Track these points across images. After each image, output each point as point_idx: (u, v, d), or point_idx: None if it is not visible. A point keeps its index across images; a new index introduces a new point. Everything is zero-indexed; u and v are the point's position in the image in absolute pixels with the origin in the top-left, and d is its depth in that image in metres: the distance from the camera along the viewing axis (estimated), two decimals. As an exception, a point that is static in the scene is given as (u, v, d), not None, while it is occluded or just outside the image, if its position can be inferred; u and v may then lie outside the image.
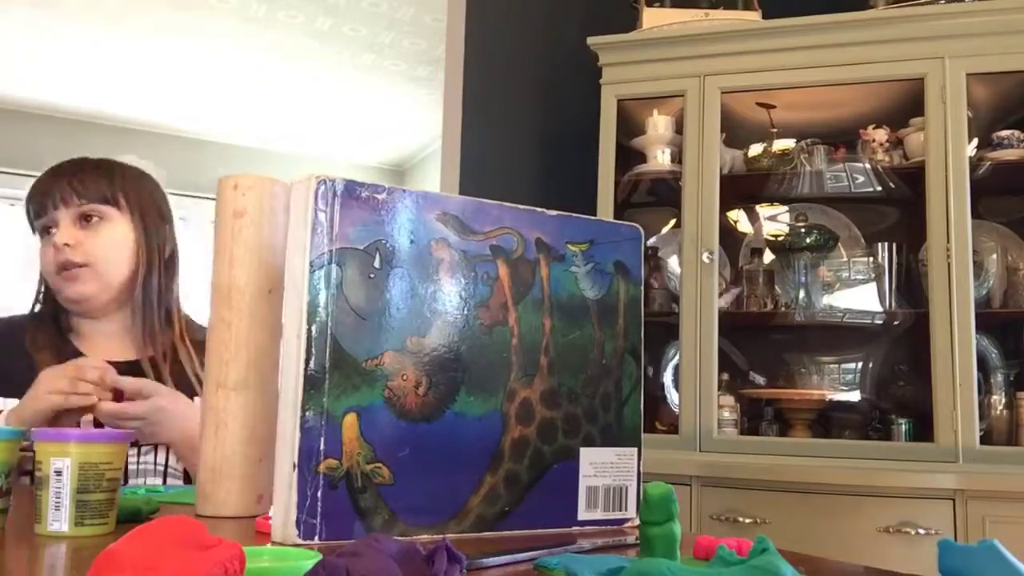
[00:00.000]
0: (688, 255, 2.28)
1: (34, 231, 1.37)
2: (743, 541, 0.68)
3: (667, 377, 2.56)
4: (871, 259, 2.47)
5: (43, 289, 1.38)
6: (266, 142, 5.56)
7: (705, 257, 2.25)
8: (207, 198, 5.12)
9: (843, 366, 2.57)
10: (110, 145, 5.28)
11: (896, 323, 2.39)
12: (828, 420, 2.41)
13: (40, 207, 1.31)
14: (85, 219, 1.31)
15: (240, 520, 0.85)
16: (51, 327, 1.34)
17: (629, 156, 2.50)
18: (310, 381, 0.72)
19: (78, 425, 1.17)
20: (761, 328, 2.54)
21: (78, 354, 1.29)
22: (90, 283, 1.30)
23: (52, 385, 1.12)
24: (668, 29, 2.40)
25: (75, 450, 0.74)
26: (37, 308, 1.38)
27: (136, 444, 1.25)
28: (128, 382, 1.16)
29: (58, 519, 0.73)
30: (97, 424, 1.17)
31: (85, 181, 1.31)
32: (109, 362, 1.19)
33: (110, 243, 1.32)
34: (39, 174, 1.36)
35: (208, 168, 5.31)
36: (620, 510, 0.87)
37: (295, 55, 4.34)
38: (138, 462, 1.26)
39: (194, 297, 1.37)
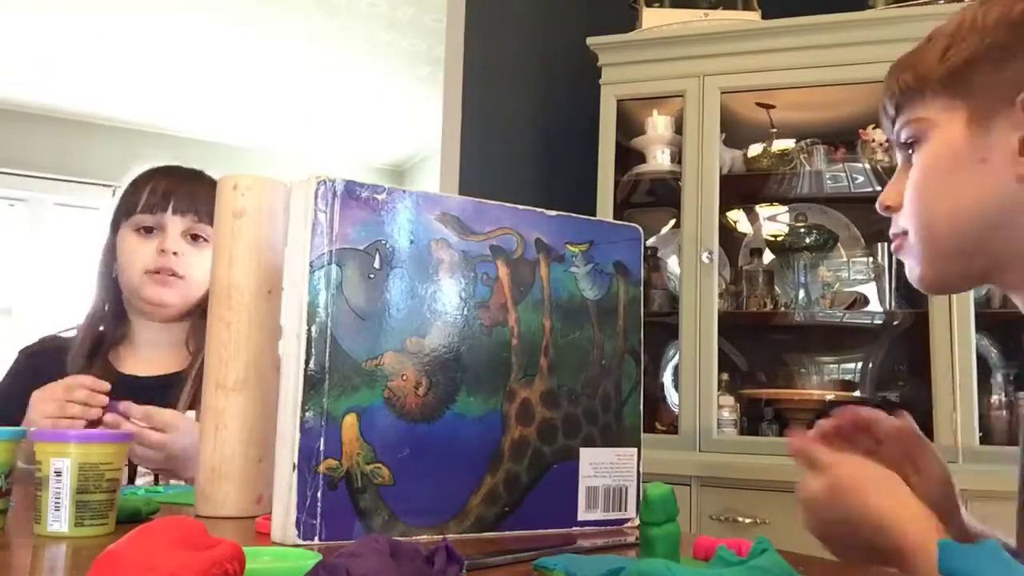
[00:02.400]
0: (688, 255, 2.28)
1: (116, 225, 1.37)
2: (743, 541, 0.68)
3: (667, 377, 2.56)
4: (871, 259, 2.47)
5: (105, 295, 1.39)
6: (266, 142, 5.56)
7: (704, 257, 2.25)
8: (207, 198, 5.12)
9: (843, 366, 2.57)
10: (110, 145, 5.29)
11: (896, 323, 2.39)
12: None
13: (148, 206, 1.32)
14: (193, 237, 1.34)
15: (240, 520, 0.85)
16: (94, 341, 1.36)
17: (629, 156, 2.50)
18: (310, 381, 0.72)
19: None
20: (761, 328, 2.54)
21: (108, 369, 1.30)
22: (177, 294, 1.32)
23: (40, 409, 1.12)
24: (668, 29, 2.40)
25: (75, 450, 0.74)
26: (100, 315, 1.39)
27: (156, 479, 1.25)
28: (141, 411, 1.13)
29: (58, 519, 0.73)
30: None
31: (201, 198, 1.32)
32: (151, 378, 1.25)
33: (207, 265, 1.33)
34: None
35: (208, 168, 5.31)
36: (620, 510, 0.87)
37: (295, 55, 4.34)
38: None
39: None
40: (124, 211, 1.36)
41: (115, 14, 3.95)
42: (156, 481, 1.27)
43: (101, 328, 1.38)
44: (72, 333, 1.40)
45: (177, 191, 1.33)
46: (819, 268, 2.47)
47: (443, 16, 2.86)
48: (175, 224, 1.32)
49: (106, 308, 1.38)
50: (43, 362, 1.35)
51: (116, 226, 1.38)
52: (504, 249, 0.82)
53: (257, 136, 5.48)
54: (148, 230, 1.33)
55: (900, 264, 2.37)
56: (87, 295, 1.42)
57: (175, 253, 1.31)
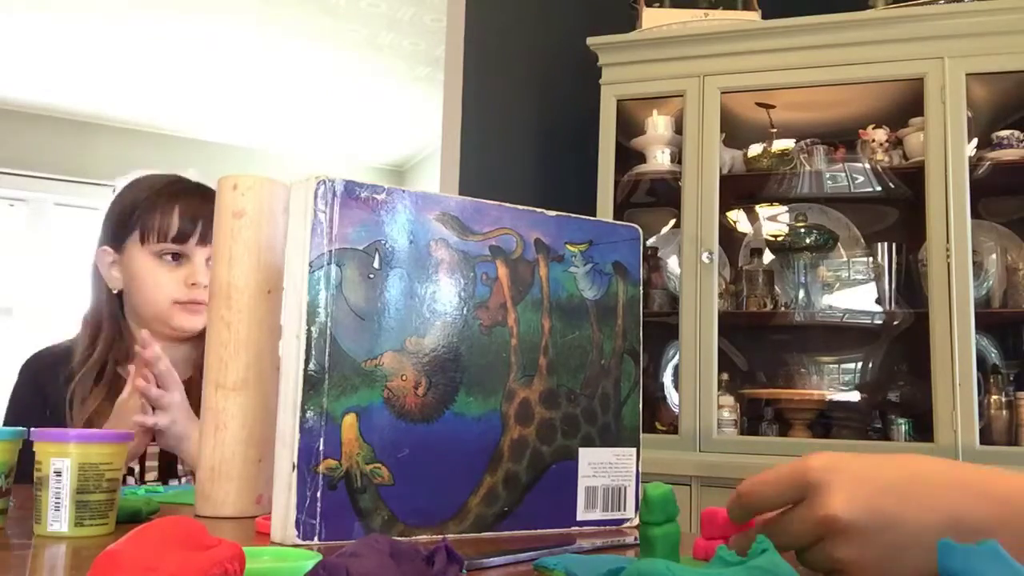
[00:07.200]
0: (688, 255, 2.28)
1: (120, 239, 1.32)
2: (742, 541, 0.68)
3: (667, 377, 2.57)
4: (871, 259, 2.47)
5: (106, 304, 1.34)
6: (266, 142, 5.56)
7: (705, 257, 2.25)
8: (207, 198, 5.11)
9: (843, 366, 2.57)
10: (110, 145, 5.29)
11: (896, 323, 2.39)
12: (828, 420, 2.41)
13: (178, 235, 1.27)
14: (208, 261, 1.29)
15: (240, 520, 0.85)
16: (100, 364, 1.32)
17: (629, 156, 2.50)
18: (309, 381, 0.72)
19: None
20: (761, 328, 2.54)
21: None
22: (203, 319, 1.27)
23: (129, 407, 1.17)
24: (667, 29, 2.41)
25: (75, 450, 0.74)
26: (100, 332, 1.34)
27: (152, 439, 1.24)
28: (164, 367, 1.16)
29: (58, 519, 0.73)
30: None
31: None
32: None
33: None
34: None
35: (208, 168, 5.31)
36: (618, 510, 0.87)
37: (295, 55, 4.34)
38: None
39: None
40: (139, 231, 1.30)
41: (115, 15, 3.95)
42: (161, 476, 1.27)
43: (100, 347, 1.32)
44: (66, 340, 1.36)
45: (201, 218, 1.29)
46: (819, 268, 2.47)
47: (443, 16, 2.86)
48: (200, 254, 1.29)
49: (103, 325, 1.33)
50: (46, 376, 1.32)
51: (119, 239, 1.33)
52: (503, 249, 0.82)
53: (257, 136, 5.48)
54: (175, 257, 1.29)
55: (900, 264, 2.38)
56: (82, 302, 1.37)
57: (204, 285, 1.27)
